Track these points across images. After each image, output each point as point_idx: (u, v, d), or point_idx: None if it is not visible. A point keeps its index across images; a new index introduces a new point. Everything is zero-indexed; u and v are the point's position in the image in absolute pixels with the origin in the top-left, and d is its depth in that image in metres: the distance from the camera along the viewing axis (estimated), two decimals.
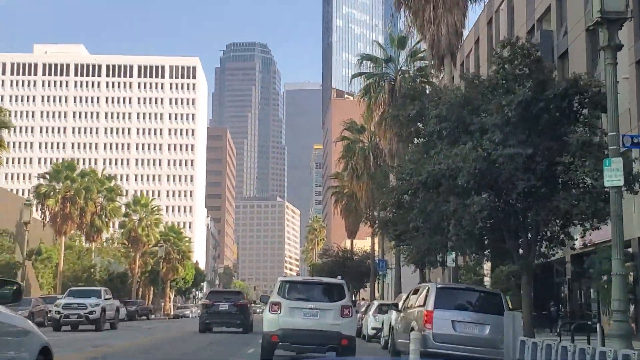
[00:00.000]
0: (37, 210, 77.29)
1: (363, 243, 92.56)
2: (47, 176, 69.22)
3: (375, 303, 36.47)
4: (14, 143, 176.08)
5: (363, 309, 43.35)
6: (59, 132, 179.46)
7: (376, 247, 69.69)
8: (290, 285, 20.19)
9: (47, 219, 68.04)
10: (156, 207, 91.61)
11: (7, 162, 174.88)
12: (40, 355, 7.08)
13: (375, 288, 69.68)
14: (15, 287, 7.20)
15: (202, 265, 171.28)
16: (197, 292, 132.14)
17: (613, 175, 15.34)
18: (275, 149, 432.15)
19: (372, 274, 68.96)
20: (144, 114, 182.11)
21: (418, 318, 20.22)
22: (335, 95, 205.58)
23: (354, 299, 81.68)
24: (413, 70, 51.13)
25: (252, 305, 44.05)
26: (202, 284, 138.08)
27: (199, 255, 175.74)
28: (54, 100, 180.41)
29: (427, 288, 20.76)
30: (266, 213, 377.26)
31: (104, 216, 74.51)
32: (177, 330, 42.07)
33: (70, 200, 66.78)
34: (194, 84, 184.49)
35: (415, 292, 22.10)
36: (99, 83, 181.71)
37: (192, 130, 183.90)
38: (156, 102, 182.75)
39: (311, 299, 19.68)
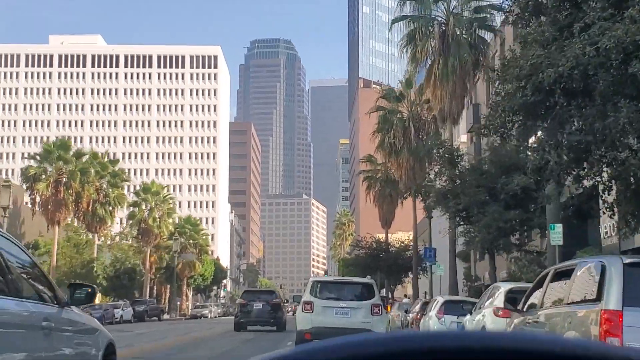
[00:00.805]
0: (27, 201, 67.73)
1: (399, 236, 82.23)
2: (37, 157, 59.54)
3: (440, 300, 26.05)
4: (29, 138, 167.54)
5: (416, 307, 33.04)
6: (75, 125, 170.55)
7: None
8: (322, 285, 20.57)
9: (38, 206, 58.31)
10: (168, 196, 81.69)
11: (22, 157, 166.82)
12: (106, 350, 7.85)
13: (417, 283, 59.39)
14: (89, 290, 7.60)
15: (225, 262, 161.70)
16: (218, 291, 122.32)
17: None
18: (301, 146, 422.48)
19: (415, 266, 58.70)
20: (163, 105, 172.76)
21: (584, 324, 9.98)
22: (363, 85, 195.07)
23: (390, 296, 71.59)
24: (469, 10, 40.90)
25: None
26: (224, 281, 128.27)
27: (222, 252, 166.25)
28: (71, 93, 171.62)
29: (593, 268, 10.38)
30: (292, 210, 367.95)
31: (107, 204, 64.77)
32: (175, 336, 32.02)
33: (64, 184, 57.02)
34: (215, 74, 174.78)
35: (558, 277, 11.74)
36: (117, 74, 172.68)
37: (214, 122, 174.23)
38: (176, 94, 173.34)
39: (342, 298, 19.98)
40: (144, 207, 77.06)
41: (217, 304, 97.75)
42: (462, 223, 32.34)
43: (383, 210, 76.49)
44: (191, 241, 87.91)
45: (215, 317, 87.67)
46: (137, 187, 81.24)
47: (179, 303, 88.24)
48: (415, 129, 54.92)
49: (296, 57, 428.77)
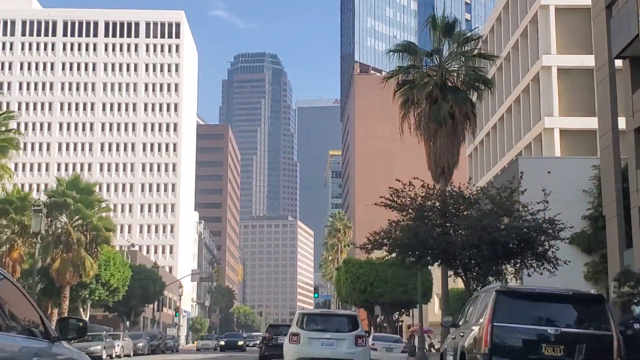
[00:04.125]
0: None
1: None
2: None
3: None
4: None
5: None
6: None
7: None
8: (308, 317, 21.34)
9: None
10: (6, 115, 40.39)
11: None
12: None
13: None
14: (80, 324, 6.86)
15: (189, 286, 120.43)
16: (158, 313, 79.77)
17: None
18: (287, 165, 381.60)
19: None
20: (111, 84, 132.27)
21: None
22: (359, 70, 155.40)
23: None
24: None
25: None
26: (176, 303, 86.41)
27: (183, 269, 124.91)
28: None
29: None
30: (277, 233, 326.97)
31: None
32: None
33: None
34: (177, 46, 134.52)
35: None
36: (53, 45, 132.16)
37: (175, 106, 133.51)
38: (128, 70, 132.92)
39: (327, 330, 20.51)
40: None
41: (139, 334, 56.32)
42: None
43: (436, 149, 37.38)
44: (80, 221, 46.97)
45: (127, 355, 47.34)
46: None
47: None
48: None
49: (282, 72, 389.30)
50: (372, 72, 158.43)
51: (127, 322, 66.40)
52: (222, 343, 58.31)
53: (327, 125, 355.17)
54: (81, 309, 51.89)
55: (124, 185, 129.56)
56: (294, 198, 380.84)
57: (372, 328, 70.71)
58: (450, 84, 37.54)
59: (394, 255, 32.45)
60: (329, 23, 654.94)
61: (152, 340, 58.75)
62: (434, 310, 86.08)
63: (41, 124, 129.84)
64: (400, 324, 63.96)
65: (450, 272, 33.38)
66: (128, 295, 61.73)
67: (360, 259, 61.77)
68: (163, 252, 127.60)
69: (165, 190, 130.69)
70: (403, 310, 61.85)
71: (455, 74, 37.69)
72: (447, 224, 30.45)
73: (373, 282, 58.26)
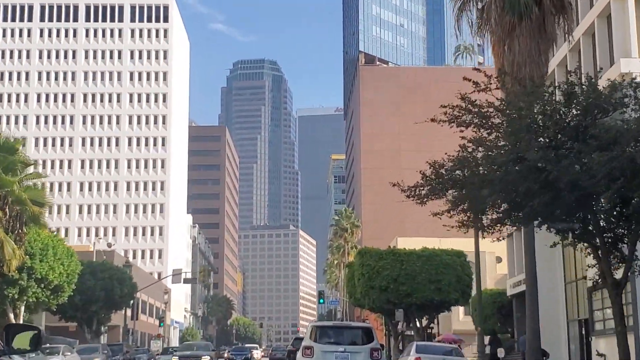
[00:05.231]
0: None
1: None
2: None
3: None
4: None
5: None
6: None
7: None
8: (321, 330, 20.66)
9: None
10: None
11: None
12: None
13: None
14: (34, 333, 6.08)
15: (180, 292, 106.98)
16: (132, 320, 65.75)
17: None
18: (288, 174, 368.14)
19: None
20: (93, 73, 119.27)
21: None
22: (364, 60, 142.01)
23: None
24: None
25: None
26: (155, 305, 72.63)
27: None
28: None
29: None
30: (278, 243, 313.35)
31: None
32: None
33: None
34: (165, 31, 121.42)
35: None
36: (29, 31, 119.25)
37: (164, 96, 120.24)
38: (111, 57, 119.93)
39: (341, 343, 19.73)
40: None
41: (95, 347, 42.58)
42: None
43: (514, 55, 23.68)
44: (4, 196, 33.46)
45: None
46: None
47: None
48: None
49: (282, 79, 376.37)
50: (378, 63, 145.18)
51: (89, 331, 52.67)
52: (176, 359, 41.63)
53: (329, 134, 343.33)
54: (11, 314, 38.27)
55: (107, 183, 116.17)
56: (296, 207, 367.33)
57: (390, 339, 56.90)
58: None
59: (464, 206, 18.80)
60: (329, 32, 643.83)
61: (115, 354, 45.11)
62: (458, 316, 71.81)
63: (16, 117, 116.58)
64: (430, 330, 49.95)
65: (563, 240, 19.74)
66: (88, 299, 48.18)
67: (379, 248, 48.15)
68: (151, 256, 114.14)
69: (154, 188, 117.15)
70: (434, 313, 48.00)
71: None
72: (570, 143, 16.84)
73: (397, 277, 44.32)
